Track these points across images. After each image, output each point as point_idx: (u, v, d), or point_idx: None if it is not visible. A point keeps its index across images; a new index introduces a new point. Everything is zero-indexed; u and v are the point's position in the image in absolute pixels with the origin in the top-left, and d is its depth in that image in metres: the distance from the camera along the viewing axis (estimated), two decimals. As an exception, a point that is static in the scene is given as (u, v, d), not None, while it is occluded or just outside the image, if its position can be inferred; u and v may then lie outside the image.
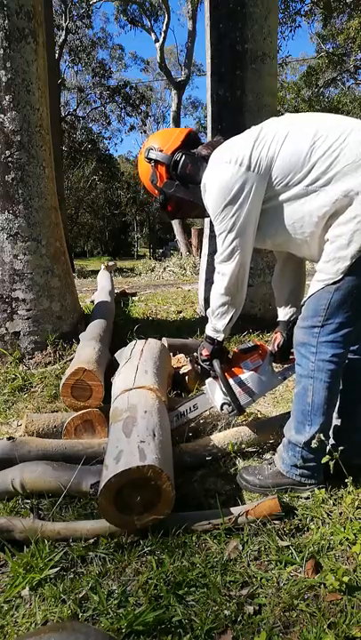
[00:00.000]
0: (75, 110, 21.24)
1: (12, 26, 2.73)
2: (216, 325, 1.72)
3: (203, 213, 1.74)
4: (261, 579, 1.29)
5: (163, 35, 15.89)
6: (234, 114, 3.51)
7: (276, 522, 1.49)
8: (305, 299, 1.53)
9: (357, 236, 1.36)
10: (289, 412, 1.66)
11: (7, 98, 2.79)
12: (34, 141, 2.91)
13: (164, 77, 16.63)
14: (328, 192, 1.39)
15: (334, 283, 1.42)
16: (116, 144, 59.28)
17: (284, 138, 1.46)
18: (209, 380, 1.90)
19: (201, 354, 1.81)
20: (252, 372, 1.81)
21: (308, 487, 1.63)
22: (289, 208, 1.48)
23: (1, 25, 2.71)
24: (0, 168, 2.84)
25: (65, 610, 1.19)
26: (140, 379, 1.89)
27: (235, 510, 1.49)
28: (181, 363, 2.60)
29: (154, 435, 1.52)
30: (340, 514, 1.53)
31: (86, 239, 34.48)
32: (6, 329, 2.93)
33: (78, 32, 18.36)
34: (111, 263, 6.98)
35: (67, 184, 20.92)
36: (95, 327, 2.88)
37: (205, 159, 1.65)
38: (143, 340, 2.34)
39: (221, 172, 1.52)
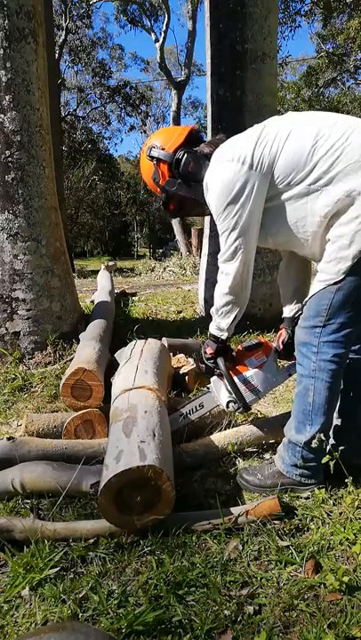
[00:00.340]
0: (75, 110, 21.24)
1: (11, 26, 2.73)
2: (220, 324, 1.72)
3: (205, 211, 1.73)
4: (261, 579, 1.29)
5: (163, 35, 15.88)
6: (234, 114, 3.51)
7: (276, 522, 1.49)
8: (306, 299, 1.53)
9: (359, 236, 1.36)
10: (289, 412, 1.66)
11: (7, 98, 2.79)
12: (34, 141, 2.91)
13: (164, 77, 16.63)
14: (330, 192, 1.39)
15: (336, 283, 1.42)
16: (116, 144, 59.41)
17: (286, 136, 1.46)
18: (214, 379, 1.89)
19: (205, 352, 1.81)
20: (256, 369, 1.81)
21: (308, 487, 1.63)
22: (291, 207, 1.48)
23: (1, 25, 2.71)
24: (0, 168, 2.84)
25: (65, 610, 1.19)
26: (140, 379, 1.89)
27: (235, 510, 1.49)
28: (181, 363, 2.60)
29: (154, 435, 1.52)
30: (340, 514, 1.53)
31: (86, 239, 34.47)
32: (6, 329, 2.93)
33: (78, 32, 18.35)
34: (111, 263, 6.98)
35: (67, 184, 20.92)
36: (95, 327, 2.88)
37: (208, 157, 1.64)
38: (143, 340, 2.34)
39: (223, 171, 1.52)
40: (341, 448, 1.51)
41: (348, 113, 16.96)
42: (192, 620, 1.16)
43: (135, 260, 19.49)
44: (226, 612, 1.18)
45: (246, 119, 3.40)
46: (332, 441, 1.66)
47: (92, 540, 1.42)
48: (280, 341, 1.87)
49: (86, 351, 2.37)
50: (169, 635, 1.12)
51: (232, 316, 1.68)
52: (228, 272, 1.60)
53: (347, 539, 1.41)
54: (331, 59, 16.91)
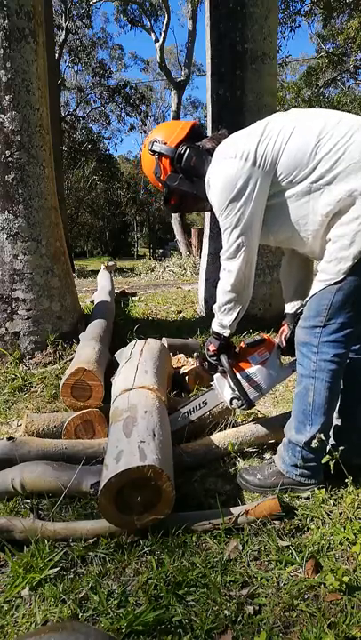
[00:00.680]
0: (75, 110, 21.24)
1: (12, 26, 2.74)
2: (223, 321, 1.71)
3: (206, 207, 1.71)
4: (261, 579, 1.29)
5: (163, 35, 15.87)
6: (234, 114, 3.51)
7: (276, 522, 1.49)
8: (307, 299, 1.53)
9: (359, 236, 1.36)
10: (289, 412, 1.66)
11: (7, 98, 2.79)
12: (34, 141, 2.91)
13: (164, 77, 16.62)
14: (332, 191, 1.39)
15: (336, 283, 1.42)
16: (116, 144, 59.38)
17: (289, 134, 1.45)
18: (217, 376, 1.89)
19: (208, 349, 1.80)
20: (259, 366, 1.80)
21: (308, 487, 1.63)
22: (293, 205, 1.48)
23: (1, 25, 2.71)
24: (0, 168, 2.84)
25: (65, 610, 1.19)
26: (140, 379, 1.89)
27: (235, 510, 1.49)
28: (181, 363, 2.60)
29: (154, 435, 1.52)
30: (340, 514, 1.53)
31: (86, 239, 34.47)
32: (6, 329, 2.93)
33: (78, 32, 18.34)
34: (111, 263, 6.98)
35: (67, 184, 20.91)
36: (95, 327, 2.88)
37: (210, 152, 1.63)
38: (143, 340, 2.34)
39: (226, 168, 1.51)
40: (341, 448, 1.51)
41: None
42: (192, 619, 1.16)
43: (135, 260, 19.49)
44: (226, 612, 1.18)
45: (246, 119, 3.40)
46: (332, 441, 1.66)
47: (92, 540, 1.42)
48: (283, 337, 1.86)
49: (86, 351, 2.37)
50: (169, 635, 1.12)
51: (235, 314, 1.68)
52: (230, 269, 1.59)
53: (347, 539, 1.41)
54: (331, 59, 16.90)
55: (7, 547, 1.38)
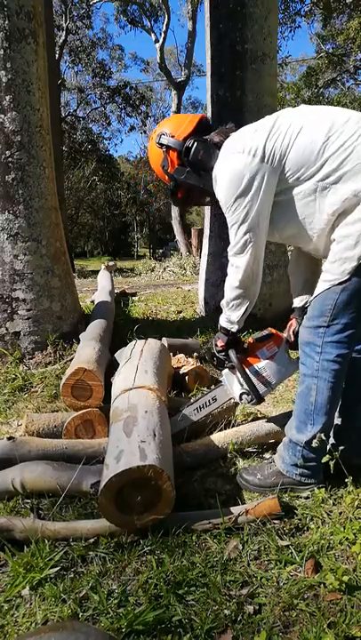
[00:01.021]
0: (75, 111, 21.23)
1: (12, 26, 2.74)
2: (230, 317, 1.71)
3: (212, 201, 1.71)
4: (261, 578, 1.29)
5: (163, 35, 15.87)
6: (234, 114, 3.50)
7: (275, 521, 1.49)
8: (311, 298, 1.52)
9: None
10: (289, 412, 1.67)
11: (7, 98, 2.79)
12: (34, 142, 2.91)
13: (164, 78, 16.62)
14: (338, 190, 1.39)
15: (340, 283, 1.42)
16: (116, 144, 59.59)
17: (298, 130, 1.44)
18: (226, 372, 1.89)
19: (216, 345, 1.80)
20: (268, 361, 1.80)
21: (308, 487, 1.63)
22: (300, 203, 1.47)
23: (1, 25, 2.71)
24: (0, 168, 2.84)
25: (65, 609, 1.20)
26: (141, 378, 1.89)
27: (235, 510, 1.50)
28: (181, 363, 2.61)
29: (154, 434, 1.52)
30: (340, 513, 1.53)
31: (86, 239, 34.46)
32: (6, 329, 2.94)
33: (78, 32, 18.34)
34: (111, 263, 6.97)
35: (67, 184, 20.90)
36: (95, 327, 2.88)
37: (218, 146, 1.63)
38: (143, 340, 2.34)
39: (233, 163, 1.50)
40: (341, 448, 1.51)
41: (348, 113, 16.90)
42: (192, 619, 1.16)
43: (135, 261, 19.49)
44: (226, 612, 1.18)
45: (246, 119, 3.36)
46: (332, 440, 1.66)
47: (92, 540, 1.42)
48: (291, 331, 1.86)
49: (86, 351, 2.37)
50: (169, 634, 1.12)
51: (243, 309, 1.67)
52: (238, 265, 1.59)
53: (347, 538, 1.41)
54: (331, 59, 16.90)
55: (7, 546, 1.38)
